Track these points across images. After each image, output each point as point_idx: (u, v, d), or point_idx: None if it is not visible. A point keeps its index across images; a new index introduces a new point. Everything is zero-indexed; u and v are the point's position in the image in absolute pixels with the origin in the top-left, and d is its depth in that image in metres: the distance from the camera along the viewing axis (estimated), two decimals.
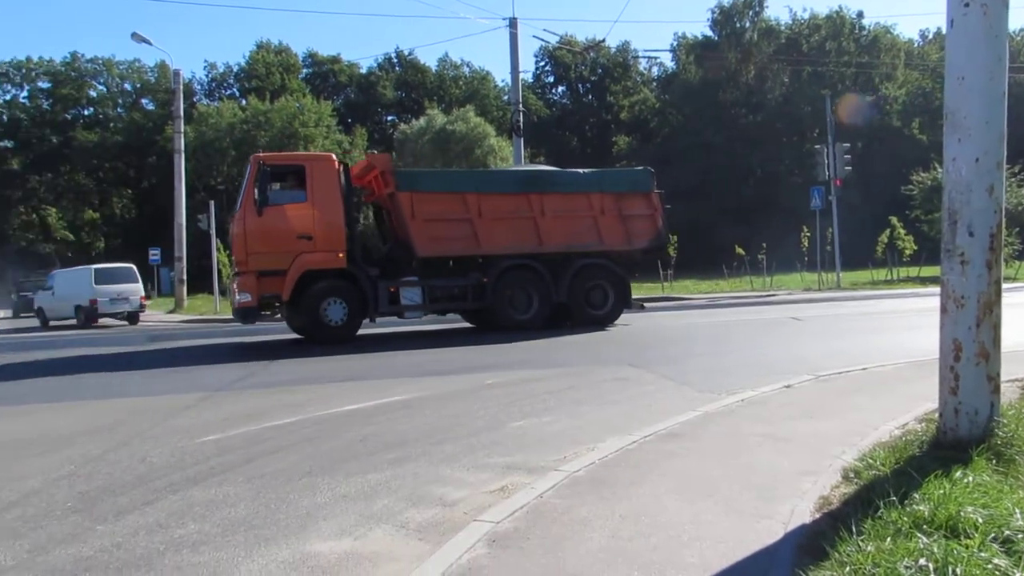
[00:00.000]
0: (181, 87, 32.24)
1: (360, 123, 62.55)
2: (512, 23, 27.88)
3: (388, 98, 68.30)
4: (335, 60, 69.42)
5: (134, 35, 28.97)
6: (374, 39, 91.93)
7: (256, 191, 13.33)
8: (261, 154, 13.97)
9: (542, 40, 58.05)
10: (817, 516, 4.09)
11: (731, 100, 61.50)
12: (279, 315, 14.84)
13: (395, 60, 70.23)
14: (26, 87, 61.72)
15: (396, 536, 4.27)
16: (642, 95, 70.68)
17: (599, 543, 3.94)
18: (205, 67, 67.69)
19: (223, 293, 30.04)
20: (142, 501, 4.98)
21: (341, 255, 13.76)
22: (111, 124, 62.43)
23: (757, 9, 62.62)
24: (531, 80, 68.24)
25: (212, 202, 28.79)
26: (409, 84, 69.29)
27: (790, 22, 64.56)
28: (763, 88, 61.97)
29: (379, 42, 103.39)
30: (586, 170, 16.46)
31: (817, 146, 32.16)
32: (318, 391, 9.23)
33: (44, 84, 62.07)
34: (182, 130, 30.90)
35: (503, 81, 68.16)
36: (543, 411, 7.49)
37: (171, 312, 28.14)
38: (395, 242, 15.11)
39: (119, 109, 64.64)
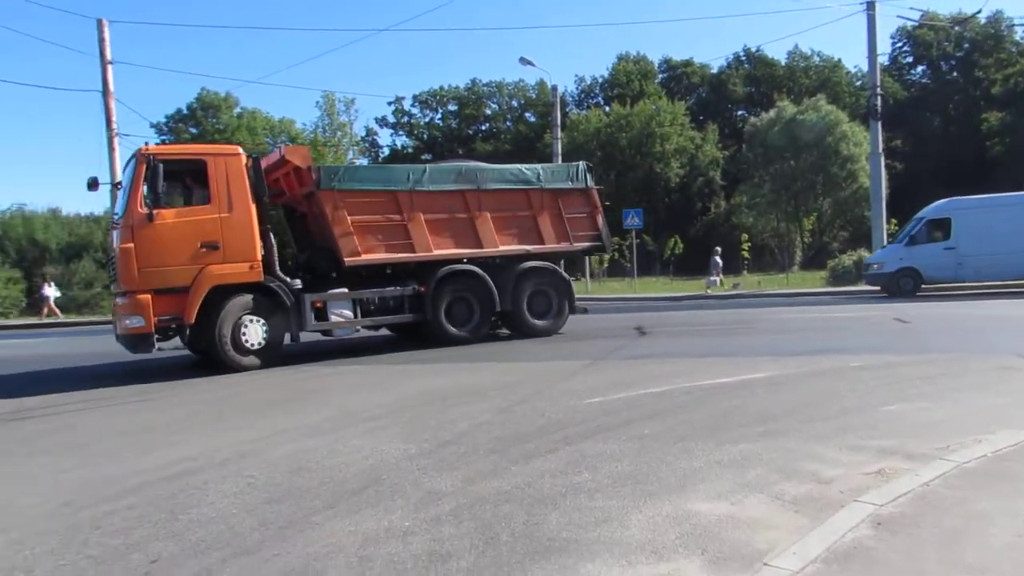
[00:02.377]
0: (558, 100, 34.34)
1: (711, 119, 61.26)
2: (870, 6, 25.43)
3: (738, 94, 65.89)
4: (688, 63, 68.64)
5: (521, 59, 31.40)
6: (725, 40, 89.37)
7: (145, 191, 9.80)
8: (149, 146, 10.20)
9: (904, 19, 51.69)
10: None
11: None
12: (177, 339, 10.74)
13: (744, 57, 67.45)
14: (439, 111, 70.27)
15: (772, 505, 4.06)
16: (1019, 66, 59.63)
17: (1004, 540, 3.36)
18: (576, 80, 71.11)
19: (592, 276, 31.54)
20: (544, 449, 5.34)
21: (255, 266, 10.40)
22: (501, 136, 68.52)
23: None
24: (887, 63, 61.14)
25: None
26: (758, 79, 66.13)
27: None
28: None
29: (729, 42, 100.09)
30: (520, 166, 13.45)
31: None
32: (683, 364, 9.19)
33: (452, 107, 70.17)
34: (559, 137, 32.78)
35: (855, 67, 62.13)
36: (916, 396, 6.64)
37: None
38: (314, 249, 12.01)
39: (508, 123, 70.72)
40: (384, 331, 13.32)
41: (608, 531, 3.75)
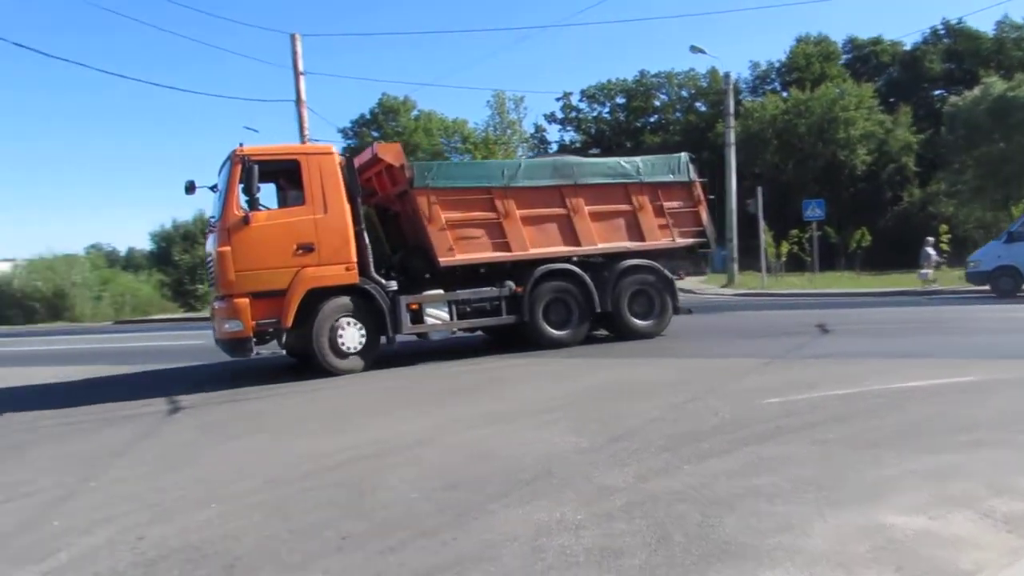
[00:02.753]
0: (731, 87, 32.99)
1: (903, 101, 56.36)
2: None
3: (935, 72, 60.03)
4: (876, 41, 63.45)
5: (692, 48, 30.45)
6: (919, 13, 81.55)
7: (241, 194, 9.69)
8: (244, 147, 9.83)
9: None
10: None
11: None
12: (275, 342, 10.61)
13: (942, 31, 61.37)
14: (607, 104, 69.89)
15: (980, 523, 3.67)
16: None
17: None
18: (749, 66, 67.80)
19: (768, 270, 30.12)
20: (719, 449, 5.16)
21: (351, 268, 10.13)
22: (670, 127, 66.97)
23: None
24: None
25: (760, 188, 29.05)
26: (959, 54, 59.87)
27: None
28: None
29: (924, 15, 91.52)
30: (619, 159, 12.59)
31: None
32: (872, 365, 8.52)
33: (620, 100, 69.57)
34: (731, 126, 31.53)
35: None
36: None
37: (724, 287, 29.08)
38: (407, 249, 11.51)
39: (677, 113, 68.97)
40: (479, 333, 12.82)
41: (789, 539, 3.56)
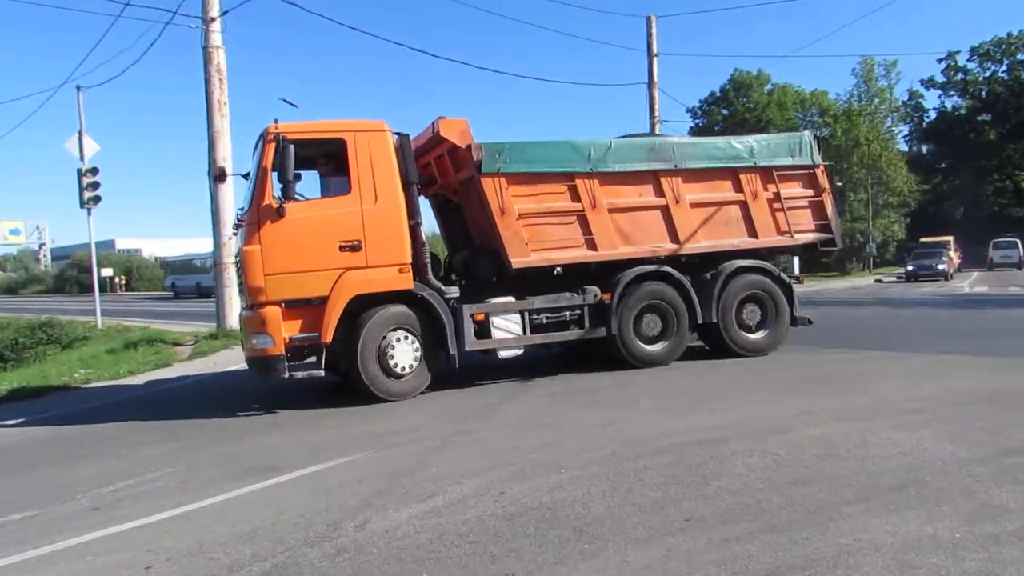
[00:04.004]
0: None
1: None
2: None
3: None
4: None
5: None
6: None
7: (276, 180, 7.90)
8: (279, 123, 8.07)
9: None
10: None
11: None
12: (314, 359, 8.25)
13: None
14: (1005, 62, 59.23)
15: None
16: None
17: None
18: None
19: None
20: None
21: (404, 270, 8.31)
22: None
23: None
24: None
25: None
26: None
27: None
28: None
29: None
30: (728, 138, 10.47)
31: None
32: None
33: (1022, 56, 58.41)
34: None
35: None
36: None
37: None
38: (473, 249, 9.60)
39: None
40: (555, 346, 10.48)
41: None
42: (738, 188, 10.01)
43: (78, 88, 18.58)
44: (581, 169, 9.26)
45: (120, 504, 4.98)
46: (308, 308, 7.98)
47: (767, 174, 10.12)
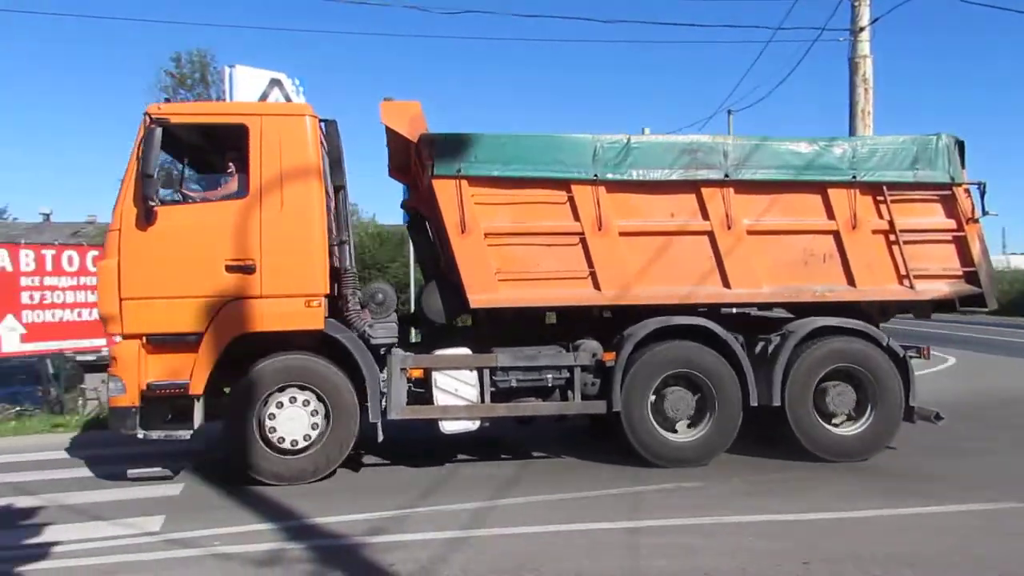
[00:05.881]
0: None
1: None
2: None
3: None
4: None
5: None
6: None
7: (141, 176, 5.79)
8: (159, 104, 6.15)
9: None
10: None
11: None
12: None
13: None
14: None
15: None
16: None
17: None
18: None
19: None
20: None
21: (315, 304, 6.05)
22: None
23: None
24: None
25: None
26: None
27: None
28: None
29: None
30: (812, 139, 6.95)
31: None
32: None
33: None
34: None
35: None
36: None
37: None
38: (431, 280, 7.15)
39: None
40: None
41: None
42: (828, 212, 7.03)
43: (729, 112, 21.28)
44: (582, 175, 6.76)
45: (771, 494, 5.49)
46: (178, 345, 6.16)
47: (875, 193, 7.05)
